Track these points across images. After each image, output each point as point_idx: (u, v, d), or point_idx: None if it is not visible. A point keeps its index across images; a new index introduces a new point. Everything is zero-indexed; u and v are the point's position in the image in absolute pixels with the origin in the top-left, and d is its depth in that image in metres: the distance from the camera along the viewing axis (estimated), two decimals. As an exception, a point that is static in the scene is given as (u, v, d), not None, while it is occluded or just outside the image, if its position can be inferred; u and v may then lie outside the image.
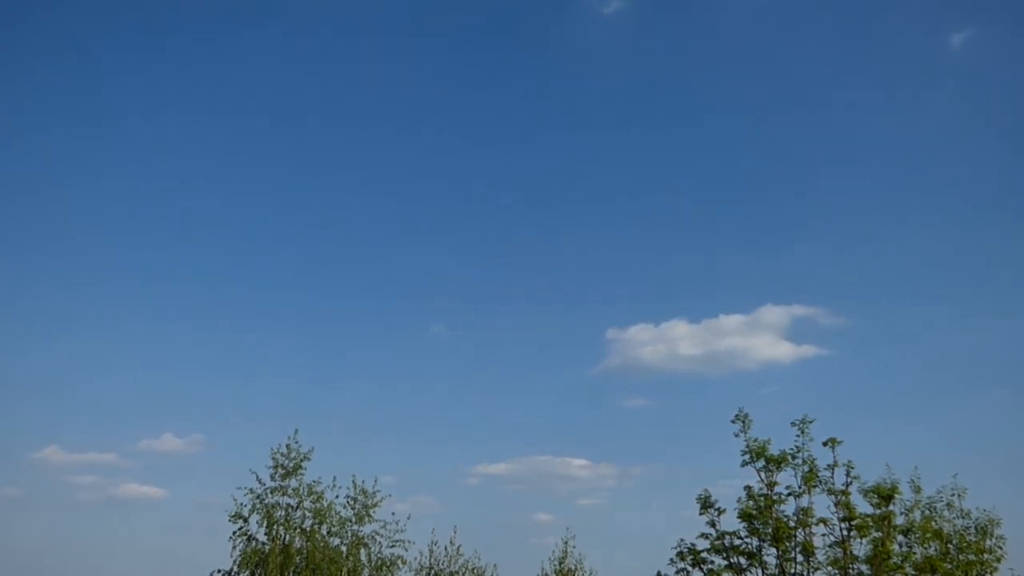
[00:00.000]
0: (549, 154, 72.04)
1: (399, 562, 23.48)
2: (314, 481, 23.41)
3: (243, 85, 69.37)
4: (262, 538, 22.63)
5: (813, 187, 68.40)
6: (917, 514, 22.17)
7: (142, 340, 63.76)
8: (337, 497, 23.45)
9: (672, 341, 60.79)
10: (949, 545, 22.13)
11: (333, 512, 23.25)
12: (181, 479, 56.38)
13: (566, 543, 24.49)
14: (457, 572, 24.26)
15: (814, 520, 20.90)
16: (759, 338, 58.89)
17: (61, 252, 65.11)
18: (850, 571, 20.52)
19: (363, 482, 23.71)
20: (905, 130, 65.74)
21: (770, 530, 21.05)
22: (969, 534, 22.82)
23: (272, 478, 23.14)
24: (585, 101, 71.07)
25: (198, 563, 22.65)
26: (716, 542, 21.72)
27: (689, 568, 22.06)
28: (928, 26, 65.60)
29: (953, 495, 23.44)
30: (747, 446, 21.93)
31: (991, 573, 22.29)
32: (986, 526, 22.99)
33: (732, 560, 21.50)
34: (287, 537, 22.66)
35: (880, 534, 20.57)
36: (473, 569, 24.55)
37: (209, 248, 67.94)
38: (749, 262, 65.71)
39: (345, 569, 22.69)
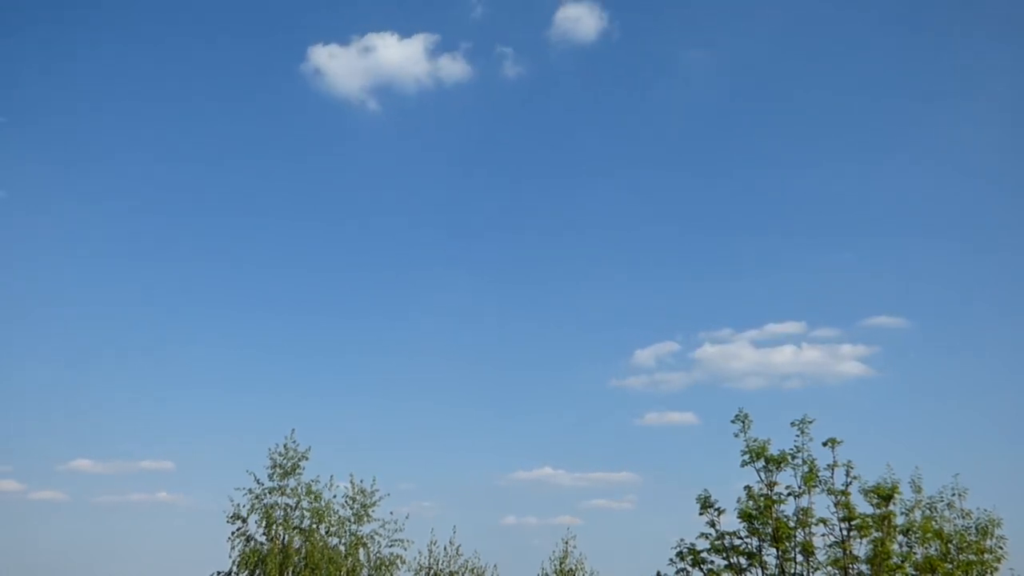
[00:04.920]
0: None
1: (398, 561, 23.45)
2: (312, 480, 23.42)
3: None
4: (260, 538, 22.60)
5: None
6: (917, 514, 22.10)
7: (191, 361, 65.30)
8: (335, 497, 23.47)
9: (704, 355, 60.33)
10: (949, 545, 22.05)
11: (331, 511, 23.22)
12: (213, 486, 57.27)
13: (567, 543, 24.46)
14: (457, 572, 24.21)
15: (814, 520, 20.90)
16: (798, 352, 58.62)
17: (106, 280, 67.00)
18: (850, 571, 20.50)
19: (360, 481, 23.72)
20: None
21: (770, 530, 21.02)
22: (969, 534, 22.73)
23: (270, 478, 23.12)
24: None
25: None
26: (716, 542, 21.69)
27: (689, 568, 22.03)
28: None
29: (954, 495, 23.36)
30: (747, 446, 21.90)
31: (991, 573, 22.21)
32: (986, 526, 22.89)
33: (732, 560, 21.47)
34: (286, 537, 22.63)
35: (880, 534, 20.54)
36: (473, 569, 24.50)
37: (246, 274, 70.10)
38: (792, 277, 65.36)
39: (344, 569, 22.64)
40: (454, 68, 65.89)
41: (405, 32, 66.53)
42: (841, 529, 20.76)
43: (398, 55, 65.22)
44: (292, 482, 23.13)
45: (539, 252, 70.63)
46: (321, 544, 22.67)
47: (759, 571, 21.19)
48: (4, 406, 58.05)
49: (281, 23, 72.33)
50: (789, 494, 21.32)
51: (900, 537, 21.21)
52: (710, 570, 21.67)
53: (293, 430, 23.61)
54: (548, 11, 70.22)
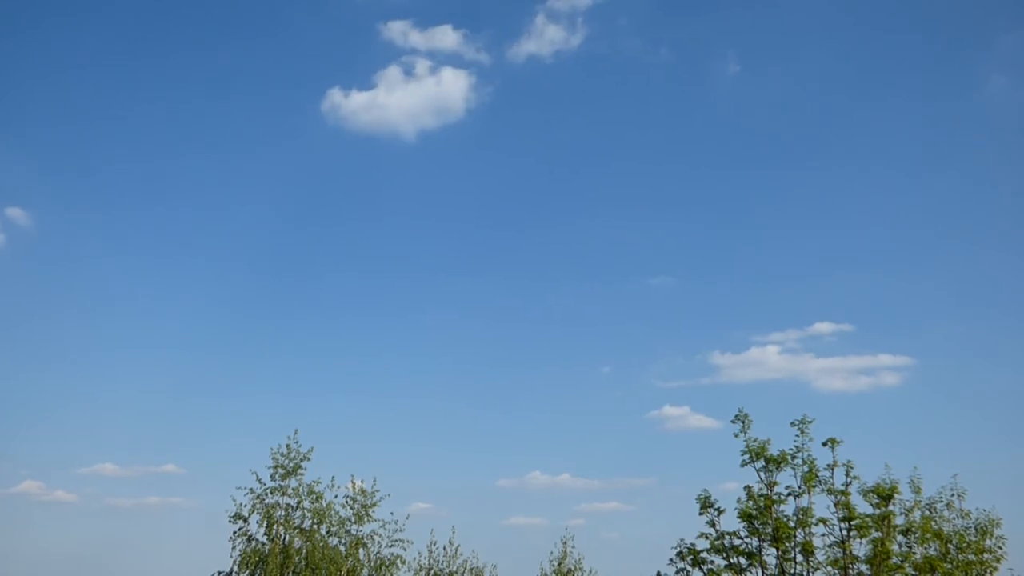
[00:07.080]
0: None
1: (398, 562, 23.48)
2: (314, 481, 23.46)
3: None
4: (262, 538, 22.64)
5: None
6: (917, 514, 22.13)
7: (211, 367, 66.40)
8: (336, 497, 23.51)
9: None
10: (949, 545, 22.11)
11: (332, 512, 23.27)
12: (223, 489, 57.37)
13: (565, 544, 24.50)
14: (456, 572, 24.24)
15: (814, 520, 20.91)
16: (816, 356, 58.86)
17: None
18: (850, 571, 20.53)
19: (361, 481, 23.75)
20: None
21: (770, 530, 21.04)
22: (969, 534, 22.80)
23: (272, 478, 23.17)
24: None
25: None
26: (716, 542, 21.70)
27: (689, 568, 22.05)
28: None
29: (953, 495, 23.45)
30: (747, 446, 21.93)
31: (991, 573, 22.28)
32: (986, 526, 22.97)
33: (732, 560, 21.49)
34: (287, 537, 22.66)
35: (880, 534, 20.58)
36: (472, 569, 24.55)
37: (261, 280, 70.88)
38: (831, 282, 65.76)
39: (344, 569, 22.67)
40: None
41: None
42: (841, 529, 20.79)
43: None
44: (294, 482, 23.18)
45: (552, 252, 71.29)
46: (322, 544, 22.71)
47: (759, 571, 21.21)
48: (26, 411, 59.74)
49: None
50: (789, 494, 21.35)
51: (900, 537, 21.24)
52: (710, 570, 21.69)
53: (296, 431, 23.68)
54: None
